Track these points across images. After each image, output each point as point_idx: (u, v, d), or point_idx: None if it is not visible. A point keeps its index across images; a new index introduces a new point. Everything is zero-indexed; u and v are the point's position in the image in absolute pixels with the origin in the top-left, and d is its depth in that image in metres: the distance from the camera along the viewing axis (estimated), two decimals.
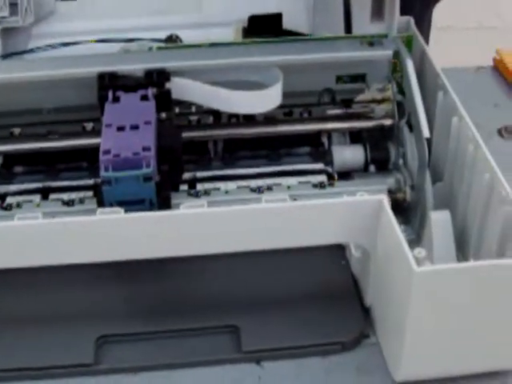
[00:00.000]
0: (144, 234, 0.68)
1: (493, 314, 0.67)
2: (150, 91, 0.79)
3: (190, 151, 0.84)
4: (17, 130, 0.85)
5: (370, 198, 0.70)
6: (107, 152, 0.73)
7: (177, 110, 0.84)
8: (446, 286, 0.65)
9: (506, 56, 1.05)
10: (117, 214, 0.68)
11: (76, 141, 0.83)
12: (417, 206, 0.81)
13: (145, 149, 0.73)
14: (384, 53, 0.84)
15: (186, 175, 0.83)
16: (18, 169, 0.84)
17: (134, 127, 0.75)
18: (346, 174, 0.85)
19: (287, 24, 0.90)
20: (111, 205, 0.73)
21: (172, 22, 0.90)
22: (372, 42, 0.85)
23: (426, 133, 0.78)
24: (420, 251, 0.70)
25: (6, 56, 0.87)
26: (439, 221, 0.75)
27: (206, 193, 0.80)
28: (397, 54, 0.84)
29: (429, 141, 0.80)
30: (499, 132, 0.96)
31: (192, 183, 0.82)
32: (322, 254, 0.77)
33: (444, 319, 0.66)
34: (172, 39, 0.87)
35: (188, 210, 0.68)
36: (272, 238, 0.70)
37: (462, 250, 0.76)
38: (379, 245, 0.71)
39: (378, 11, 0.90)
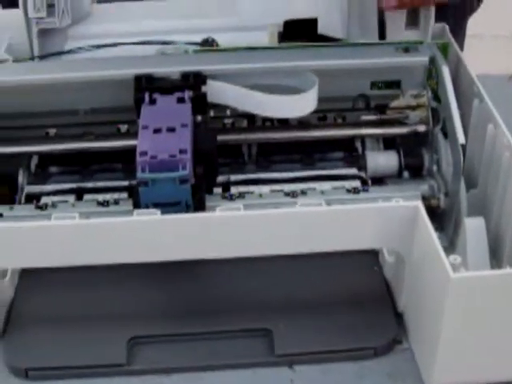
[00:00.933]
0: (182, 235, 0.68)
1: None
2: (187, 94, 0.79)
3: (225, 154, 0.84)
4: (52, 131, 0.85)
5: (406, 204, 0.70)
6: (144, 153, 0.72)
7: (211, 113, 0.84)
8: (482, 293, 0.64)
9: None
10: (154, 216, 0.68)
11: (111, 142, 0.83)
12: (451, 212, 0.80)
13: (181, 151, 0.73)
14: (420, 59, 0.83)
15: (220, 178, 0.82)
16: (53, 169, 0.85)
17: (171, 129, 0.75)
18: (379, 180, 0.84)
19: (322, 29, 0.89)
20: (147, 206, 0.72)
21: (208, 25, 0.90)
22: (408, 48, 0.84)
23: (461, 139, 0.78)
24: (456, 258, 0.69)
25: (43, 57, 0.87)
26: (473, 227, 0.75)
27: (241, 196, 0.79)
28: (433, 61, 0.83)
29: (463, 147, 0.79)
30: None
31: (226, 186, 0.82)
32: (355, 259, 0.77)
33: (479, 325, 0.66)
34: (208, 42, 0.87)
35: (225, 213, 0.68)
36: (308, 242, 0.70)
37: (497, 256, 0.75)
38: (415, 251, 0.70)
39: (413, 18, 0.90)
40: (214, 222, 0.67)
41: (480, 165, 0.80)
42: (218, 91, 0.80)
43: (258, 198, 0.79)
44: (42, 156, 0.84)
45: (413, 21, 0.90)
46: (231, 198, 0.79)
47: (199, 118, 0.80)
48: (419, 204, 0.69)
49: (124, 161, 0.83)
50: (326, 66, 0.82)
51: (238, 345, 0.72)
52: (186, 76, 0.80)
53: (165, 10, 0.90)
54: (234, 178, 0.83)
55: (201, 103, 0.80)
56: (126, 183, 0.81)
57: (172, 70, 0.81)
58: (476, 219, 0.75)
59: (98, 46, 0.87)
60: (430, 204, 0.81)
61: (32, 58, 0.87)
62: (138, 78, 0.80)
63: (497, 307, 0.65)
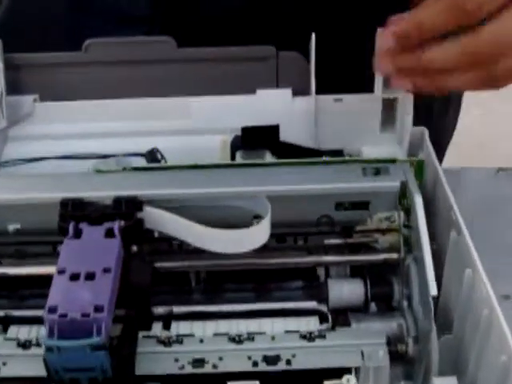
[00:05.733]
0: None
1: None
2: (117, 225, 0.59)
3: (169, 281, 0.64)
4: None
5: None
6: (53, 310, 0.53)
7: (156, 234, 0.64)
8: None
9: None
10: None
11: (43, 267, 0.64)
12: (421, 361, 0.61)
13: (97, 309, 0.53)
14: (390, 184, 0.63)
15: (161, 310, 0.63)
16: None
17: (90, 276, 0.55)
18: (342, 314, 0.64)
19: (285, 136, 0.68)
20: (56, 371, 0.53)
21: (157, 127, 0.70)
22: (378, 169, 0.63)
23: (433, 291, 0.57)
24: None
25: None
26: None
27: (178, 341, 0.59)
28: (405, 185, 0.63)
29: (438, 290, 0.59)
30: None
31: (167, 320, 0.62)
32: None
33: None
34: (152, 154, 0.67)
35: None
36: None
37: None
38: None
39: (389, 121, 0.69)
40: None
41: (456, 309, 0.60)
42: (156, 219, 0.61)
43: (198, 343, 0.59)
44: None
45: (389, 124, 0.69)
46: (168, 342, 0.59)
47: (134, 248, 0.61)
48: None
49: None
50: (283, 193, 0.62)
51: None
52: (118, 202, 0.60)
53: (113, 111, 0.70)
54: (176, 309, 0.63)
55: (136, 232, 0.60)
56: None
57: (103, 194, 0.61)
58: (448, 379, 0.56)
59: (29, 160, 0.67)
60: (396, 349, 0.61)
61: None
62: (64, 204, 0.60)
63: None
